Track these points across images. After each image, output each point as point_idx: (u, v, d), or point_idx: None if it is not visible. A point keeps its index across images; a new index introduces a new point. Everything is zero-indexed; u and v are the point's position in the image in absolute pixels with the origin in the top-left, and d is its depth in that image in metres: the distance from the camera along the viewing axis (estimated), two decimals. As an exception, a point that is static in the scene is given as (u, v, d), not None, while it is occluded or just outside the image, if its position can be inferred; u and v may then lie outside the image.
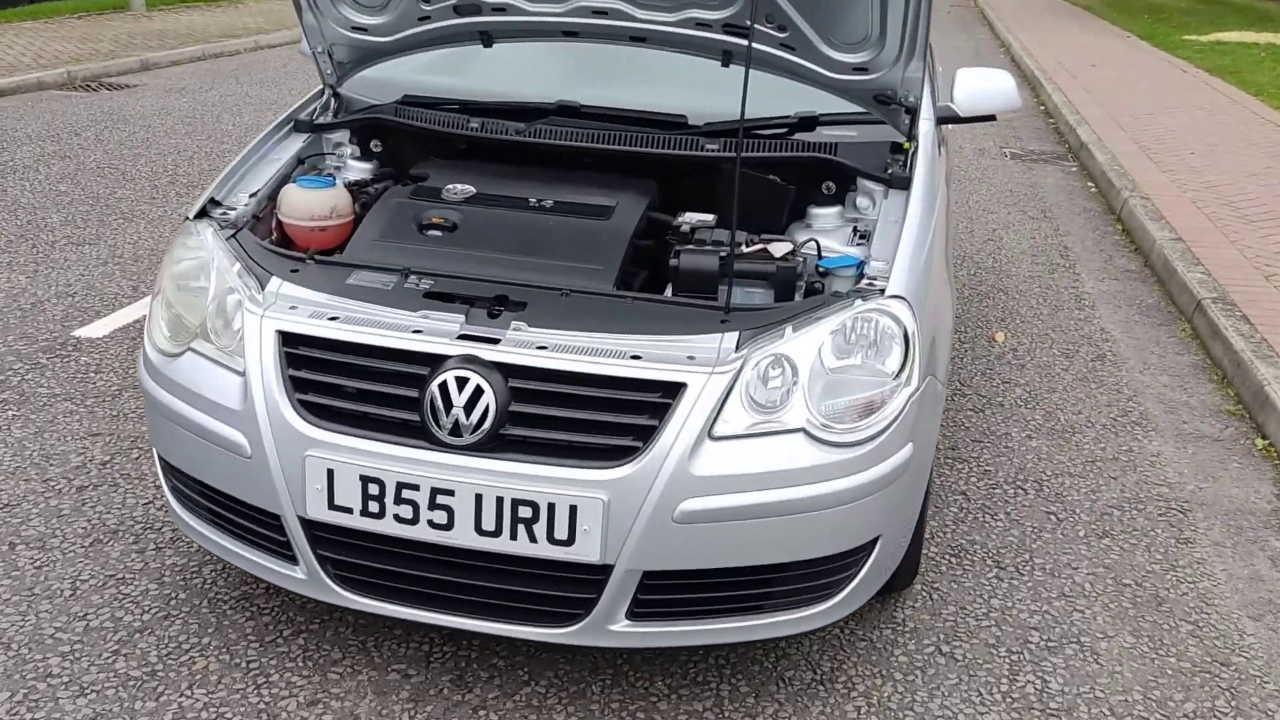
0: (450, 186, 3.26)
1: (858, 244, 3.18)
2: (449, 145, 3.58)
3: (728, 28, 3.24)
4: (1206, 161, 8.92)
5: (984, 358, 5.25)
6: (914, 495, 2.87)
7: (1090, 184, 8.83)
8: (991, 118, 3.87)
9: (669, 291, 2.97)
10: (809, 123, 3.45)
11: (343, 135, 3.69)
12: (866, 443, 2.60)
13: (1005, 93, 3.82)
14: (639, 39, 3.40)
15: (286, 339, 2.69)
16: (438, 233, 3.08)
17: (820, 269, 3.06)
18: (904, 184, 3.24)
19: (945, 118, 3.83)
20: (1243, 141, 9.72)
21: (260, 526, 2.75)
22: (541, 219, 3.11)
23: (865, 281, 2.83)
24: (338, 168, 3.65)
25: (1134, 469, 4.26)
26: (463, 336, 2.64)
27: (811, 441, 2.57)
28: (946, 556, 3.59)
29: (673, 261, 2.93)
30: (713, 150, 3.33)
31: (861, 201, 3.36)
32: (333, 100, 3.79)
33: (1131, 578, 3.55)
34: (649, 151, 3.33)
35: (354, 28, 3.58)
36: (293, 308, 2.74)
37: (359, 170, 3.61)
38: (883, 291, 2.77)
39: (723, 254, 2.90)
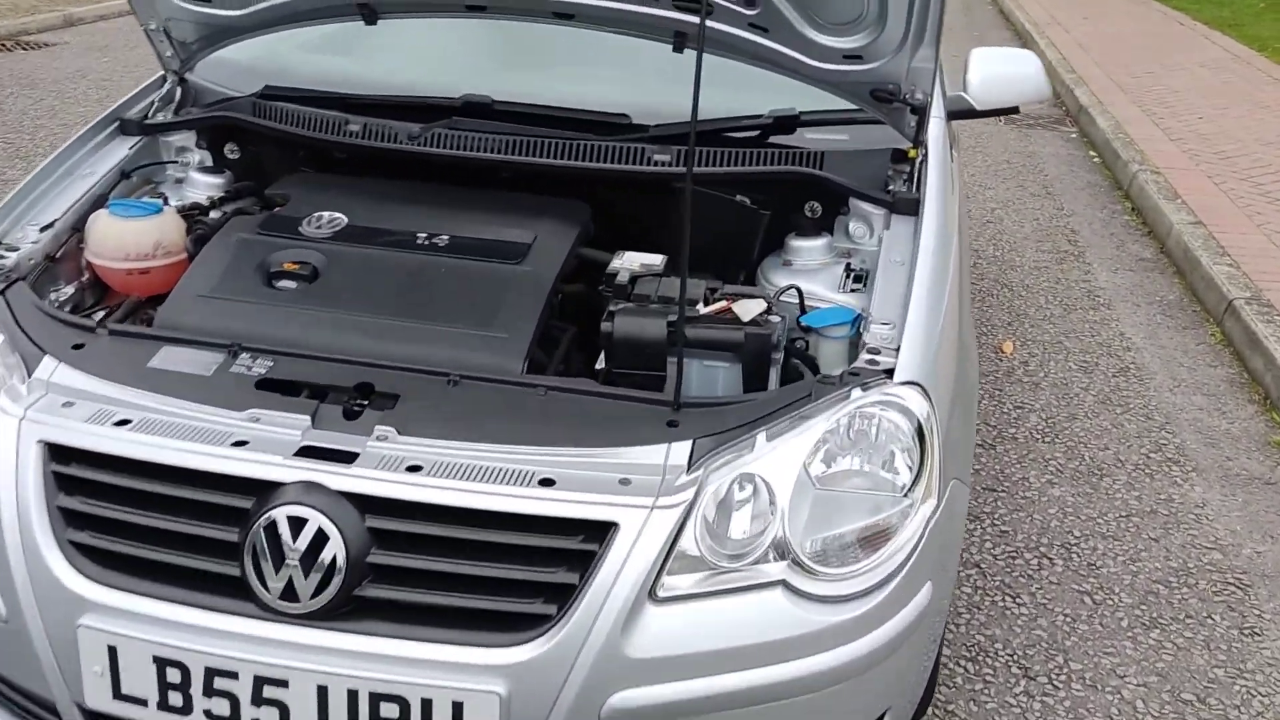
0: (314, 216, 2.48)
1: (852, 289, 2.42)
2: (324, 154, 2.79)
3: (680, 3, 2.45)
4: (1216, 128, 8.17)
5: (991, 374, 4.52)
6: (932, 643, 2.15)
7: (1093, 153, 8.07)
8: (1014, 110, 3.10)
9: (601, 364, 2.21)
10: (786, 124, 2.67)
11: (188, 138, 2.89)
12: (871, 593, 1.87)
13: (1031, 78, 3.05)
14: (565, 15, 2.61)
15: (55, 453, 1.91)
16: (291, 283, 2.30)
17: (803, 325, 2.31)
18: (911, 208, 2.48)
19: (957, 112, 3.05)
20: (1252, 104, 8.97)
21: (35, 711, 1.99)
22: (431, 264, 2.34)
23: (865, 357, 2.07)
24: (179, 181, 2.84)
25: (1177, 526, 3.56)
26: (304, 451, 1.87)
27: (795, 598, 1.83)
28: (963, 662, 2.88)
29: (605, 326, 2.17)
30: (663, 163, 2.55)
31: (855, 228, 2.60)
32: (177, 91, 2.97)
33: (1192, 690, 2.85)
34: (578, 165, 2.55)
35: (193, -2, 2.76)
36: (67, 405, 1.97)
37: (207, 186, 2.80)
38: (889, 374, 2.02)
39: (672, 317, 2.14)
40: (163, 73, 3.01)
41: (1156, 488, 3.77)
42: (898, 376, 2.00)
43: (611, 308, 2.19)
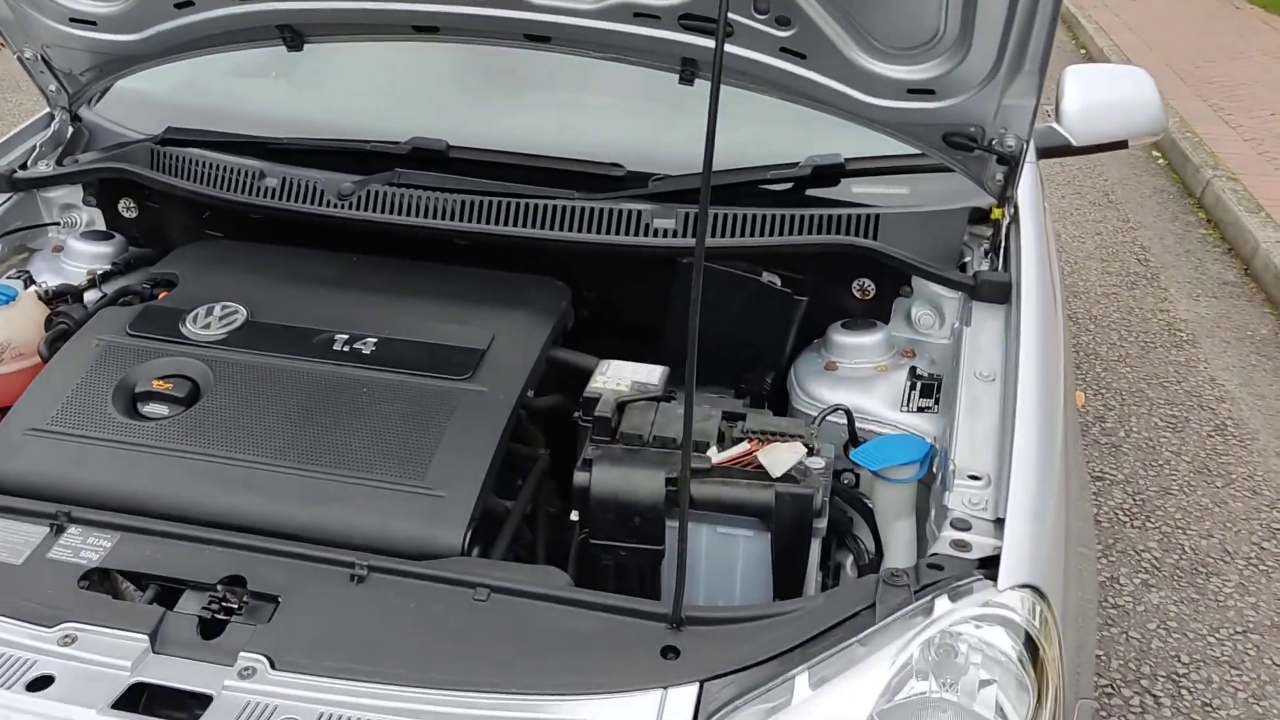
0: (203, 309, 1.88)
1: (920, 406, 1.79)
2: (236, 215, 2.19)
3: (686, 21, 1.83)
4: (1294, 125, 7.42)
5: (1061, 435, 3.86)
6: None
7: (1157, 154, 7.34)
8: (1121, 145, 2.43)
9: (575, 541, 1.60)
10: (827, 174, 2.04)
11: (73, 193, 2.30)
12: None
13: (1145, 105, 2.38)
14: (539, 38, 1.99)
15: None
16: (161, 409, 1.71)
17: (853, 461, 1.69)
18: (1000, 294, 1.85)
19: (1049, 149, 2.40)
20: (1330, 97, 8.20)
21: None
22: (348, 381, 1.73)
23: (950, 536, 1.44)
24: (59, 250, 2.25)
25: (1308, 645, 2.90)
26: (130, 698, 1.28)
27: None
28: None
29: (580, 477, 1.56)
30: (666, 231, 1.93)
31: (920, 315, 1.97)
32: (67, 131, 2.38)
33: None
34: (554, 236, 1.95)
35: (73, 19, 2.16)
36: None
37: (90, 257, 2.20)
38: (986, 565, 1.39)
39: (674, 469, 1.52)
40: (48, 110, 2.42)
41: (1276, 591, 3.11)
42: (1005, 579, 1.36)
43: (588, 452, 1.57)
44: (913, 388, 1.82)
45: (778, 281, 1.95)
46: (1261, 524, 3.41)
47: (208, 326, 1.83)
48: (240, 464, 1.59)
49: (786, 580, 1.52)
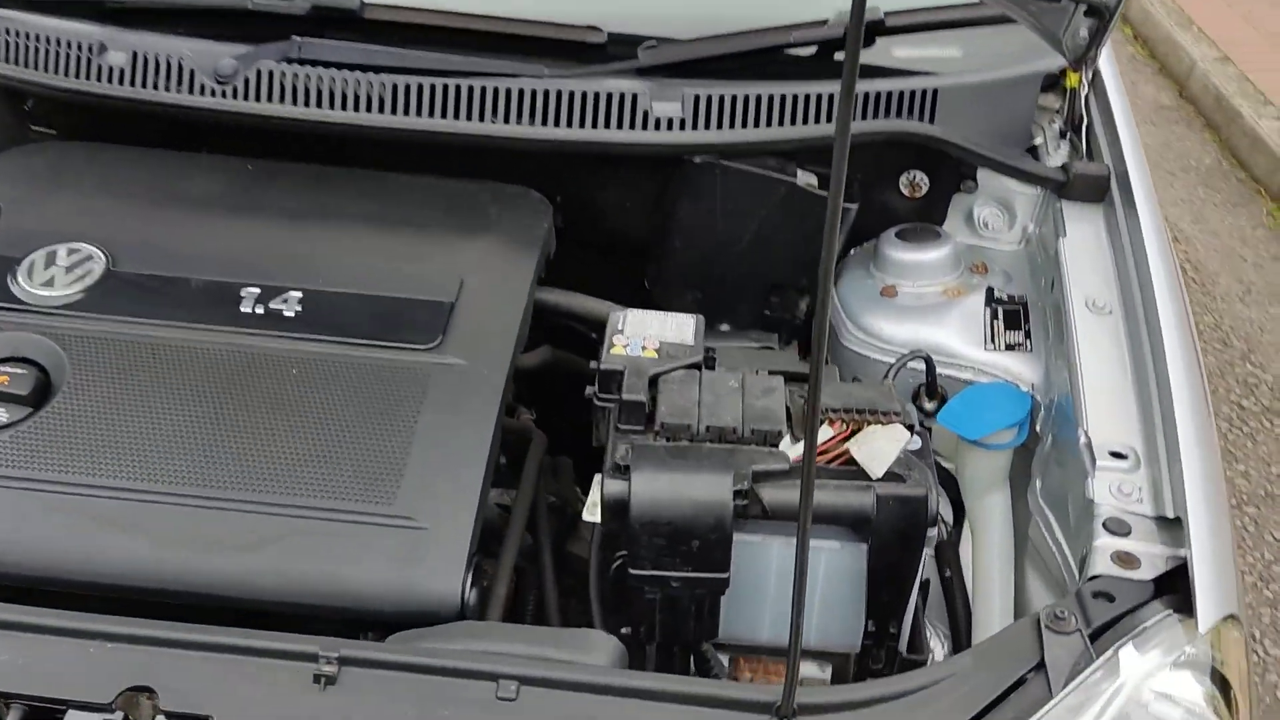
0: (41, 255, 1.35)
1: (1008, 342, 1.43)
2: (76, 108, 1.62)
3: None
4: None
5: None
6: None
7: None
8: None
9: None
10: (865, 32, 1.59)
11: None
12: None
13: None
14: None
15: None
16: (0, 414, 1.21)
17: (925, 428, 1.33)
18: (1096, 191, 1.47)
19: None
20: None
21: None
22: (268, 354, 1.25)
23: (1109, 546, 1.09)
24: None
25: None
26: None
27: None
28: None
29: (610, 490, 1.14)
30: (670, 121, 1.48)
31: (985, 215, 1.59)
32: None
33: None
34: (520, 135, 1.47)
35: None
36: None
37: None
38: (1159, 587, 1.06)
39: (742, 485, 1.12)
40: None
41: (1264, 455, 2.96)
42: (1206, 614, 1.03)
43: (620, 454, 1.15)
44: (994, 316, 1.45)
45: (815, 182, 1.53)
46: (1237, 379, 3.24)
47: (50, 283, 1.31)
48: (122, 495, 1.13)
49: (884, 601, 1.18)
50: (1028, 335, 1.42)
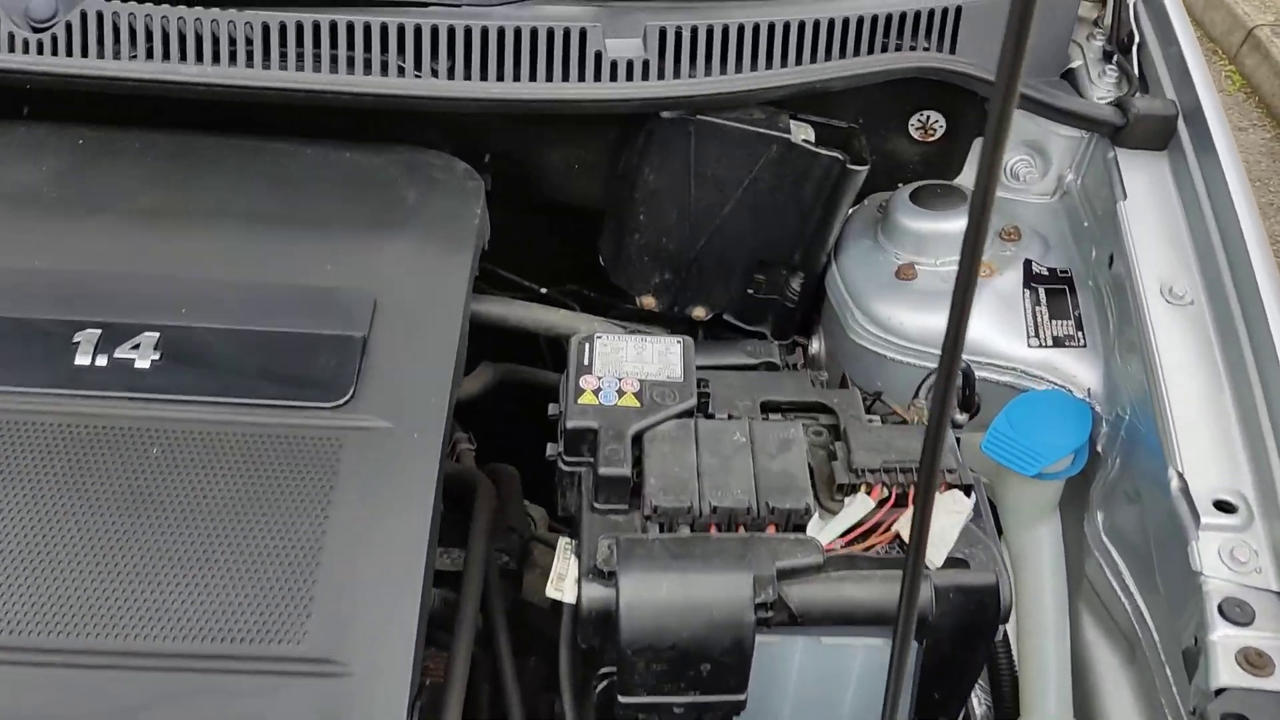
0: None
1: (1056, 336, 1.16)
2: None
3: None
4: None
5: None
6: None
7: None
8: None
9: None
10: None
11: None
12: None
13: None
14: None
15: None
16: None
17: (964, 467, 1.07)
18: (1159, 136, 1.20)
19: None
20: None
21: None
22: (120, 428, 0.93)
23: (1237, 650, 0.86)
24: None
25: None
26: None
27: None
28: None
29: (590, 599, 0.87)
30: (627, 60, 1.15)
31: (1014, 162, 1.30)
32: None
33: None
34: (437, 94, 1.14)
35: None
36: None
37: None
38: None
39: (766, 594, 0.85)
40: None
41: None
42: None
43: (601, 553, 0.87)
44: (1036, 300, 1.18)
45: (812, 137, 1.22)
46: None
47: None
48: None
49: (937, 701, 0.94)
50: (1079, 324, 1.16)
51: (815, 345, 1.32)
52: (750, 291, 1.32)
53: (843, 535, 0.89)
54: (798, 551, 0.87)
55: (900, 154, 1.31)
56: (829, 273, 1.27)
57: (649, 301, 1.34)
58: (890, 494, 0.91)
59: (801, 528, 0.90)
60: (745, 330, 1.35)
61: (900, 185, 1.30)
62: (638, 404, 0.96)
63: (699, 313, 1.35)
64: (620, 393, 0.97)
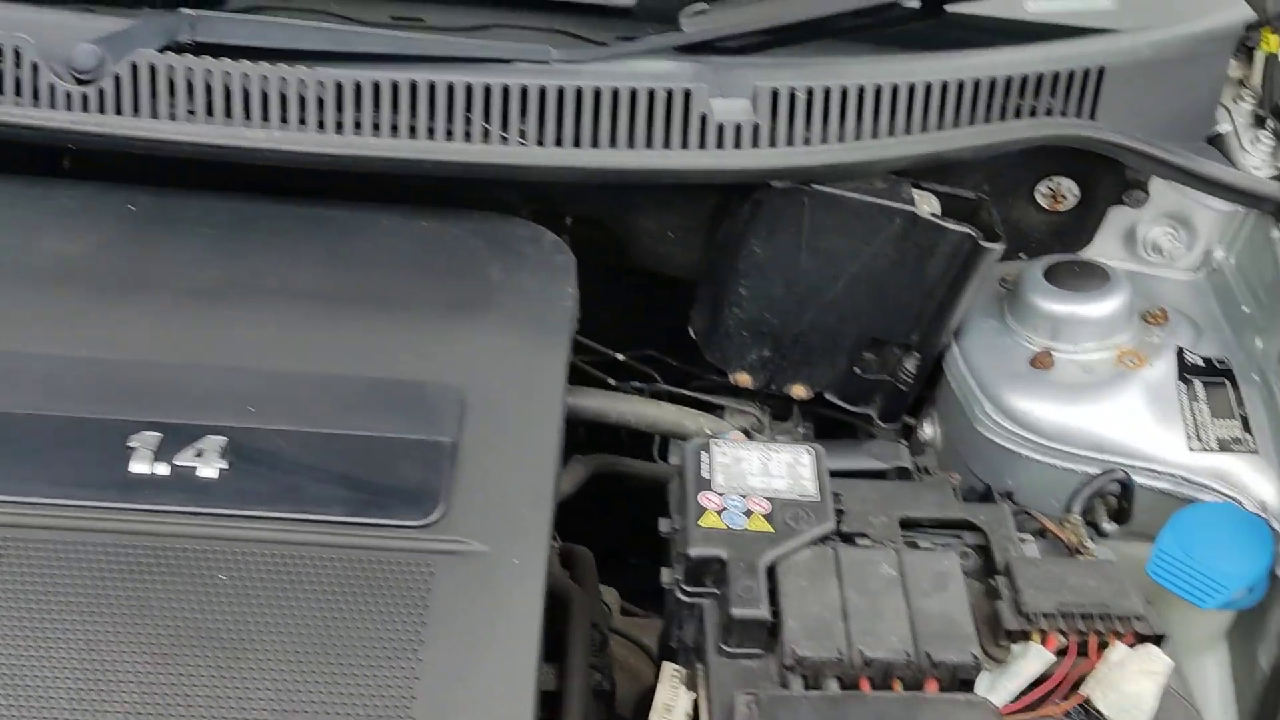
0: None
1: (1222, 437, 1.03)
2: None
3: None
4: None
5: None
6: None
7: None
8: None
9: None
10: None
11: None
12: None
13: None
14: None
15: None
16: None
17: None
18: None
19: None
20: None
21: None
22: (180, 547, 0.81)
23: None
24: None
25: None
26: None
27: None
28: None
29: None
30: (735, 123, 1.04)
31: (1155, 235, 1.19)
32: None
33: None
34: (526, 164, 1.03)
35: None
36: None
37: None
38: None
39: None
40: None
41: None
42: None
43: (726, 716, 0.74)
44: (1193, 396, 1.06)
45: (939, 209, 1.10)
46: None
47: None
48: None
49: None
50: (1245, 425, 1.03)
51: (928, 431, 1.20)
52: (857, 370, 1.20)
53: (1017, 698, 0.77)
54: (965, 715, 0.75)
55: (1024, 223, 1.19)
56: (949, 355, 1.15)
57: (744, 378, 1.22)
58: (1069, 643, 0.79)
59: (969, 684, 0.77)
60: (848, 411, 1.23)
61: (1022, 257, 1.19)
62: (769, 528, 0.84)
63: (798, 391, 1.22)
64: (748, 513, 0.85)
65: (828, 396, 1.24)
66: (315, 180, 1.08)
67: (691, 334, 1.24)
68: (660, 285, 1.26)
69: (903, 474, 0.98)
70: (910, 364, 1.18)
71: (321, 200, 1.10)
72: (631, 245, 1.21)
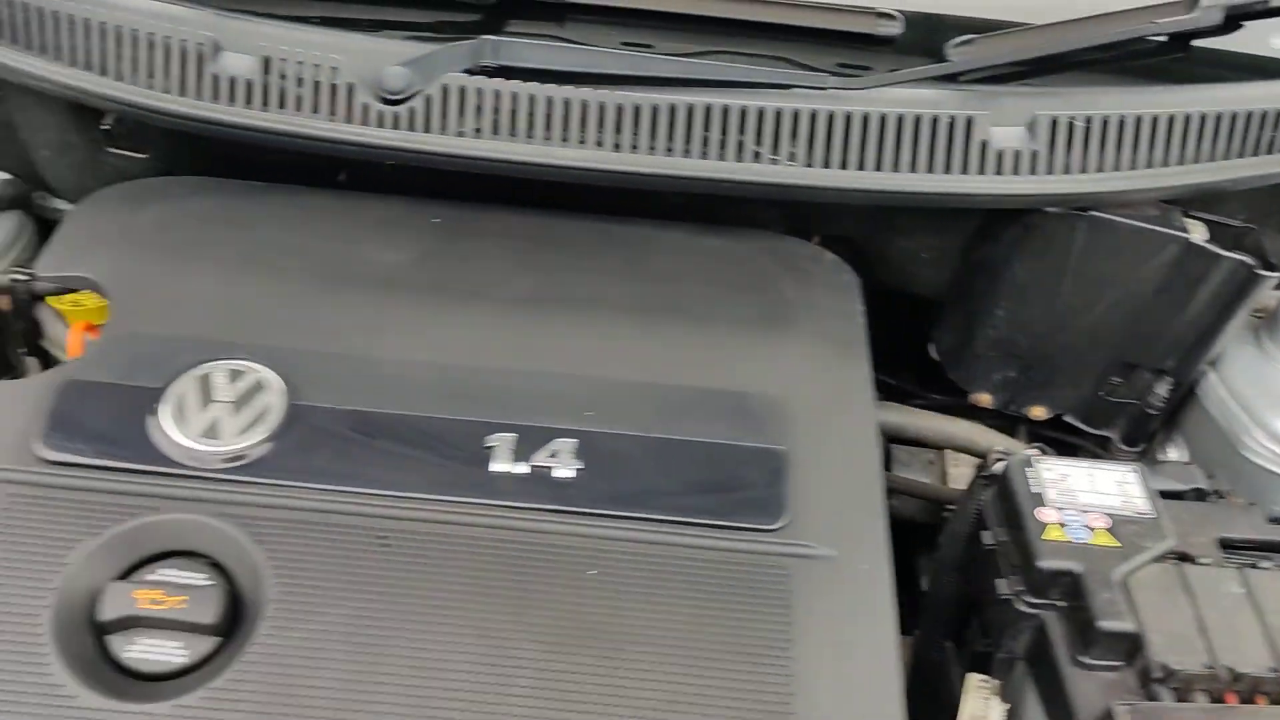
0: (191, 381, 0.93)
1: None
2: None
3: None
4: None
5: None
6: None
7: None
8: None
9: None
10: (1250, 12, 1.18)
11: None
12: None
13: None
14: None
15: None
16: (172, 653, 0.80)
17: None
18: None
19: None
20: None
21: None
22: (546, 544, 0.85)
23: None
24: None
25: None
26: None
27: None
28: None
29: None
30: (1011, 150, 1.07)
31: None
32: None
33: None
34: (809, 183, 1.07)
35: None
36: None
37: None
38: None
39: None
40: None
41: None
42: None
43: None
44: None
45: (1209, 236, 1.13)
46: None
47: (214, 430, 0.89)
48: None
49: None
50: None
51: (1173, 455, 1.23)
52: (1102, 393, 1.23)
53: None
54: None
55: (1270, 251, 1.22)
56: (1206, 380, 1.18)
57: (984, 398, 1.25)
58: None
59: (1334, 700, 0.80)
60: (1088, 434, 1.26)
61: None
62: (1116, 543, 0.87)
63: (1037, 411, 1.25)
64: (1089, 529, 0.88)
65: (1066, 418, 1.27)
66: (591, 194, 1.12)
67: (932, 353, 1.28)
68: (887, 302, 1.29)
69: (1199, 495, 1.00)
70: (1162, 389, 1.20)
71: (603, 216, 1.14)
72: (879, 264, 1.24)
